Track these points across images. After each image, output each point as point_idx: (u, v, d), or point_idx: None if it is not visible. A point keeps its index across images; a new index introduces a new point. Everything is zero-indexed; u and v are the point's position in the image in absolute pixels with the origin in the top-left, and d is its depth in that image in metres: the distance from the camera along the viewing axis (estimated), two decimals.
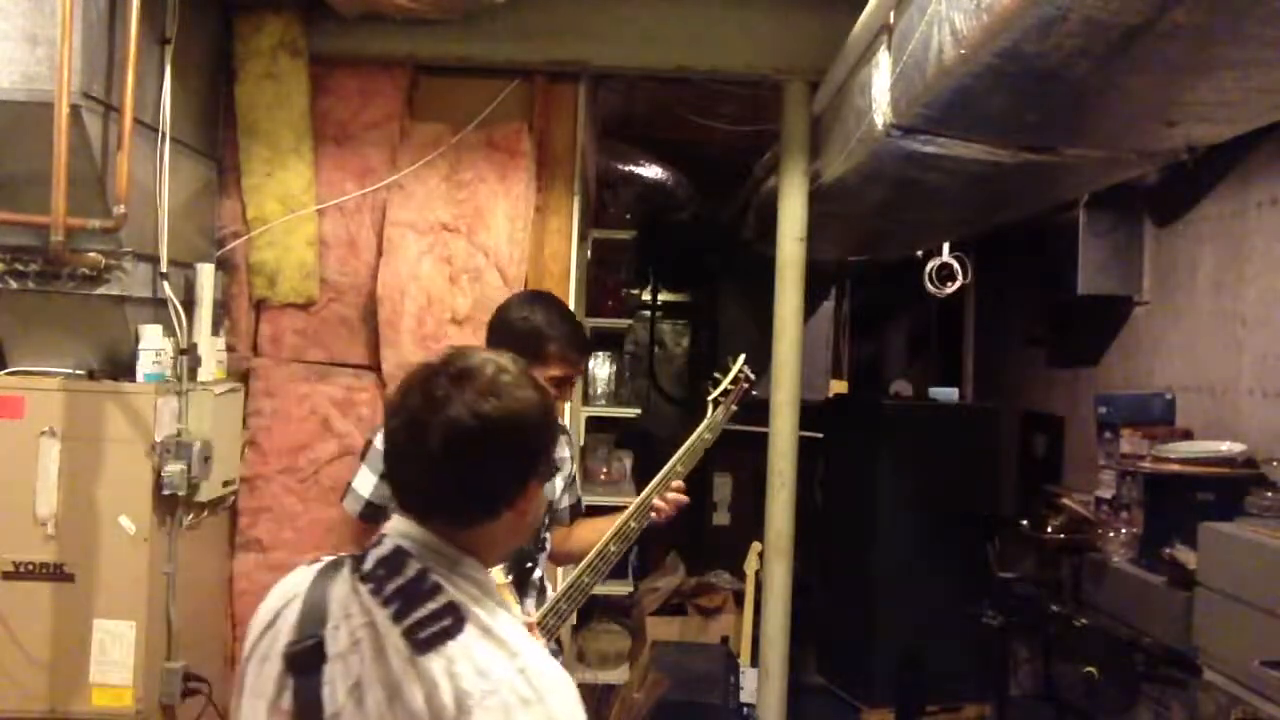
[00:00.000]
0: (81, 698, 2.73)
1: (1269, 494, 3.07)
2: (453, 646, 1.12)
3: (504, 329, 2.32)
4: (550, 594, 2.33)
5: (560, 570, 2.90)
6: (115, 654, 2.74)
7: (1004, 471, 5.17)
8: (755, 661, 3.87)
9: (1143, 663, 3.11)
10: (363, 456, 2.31)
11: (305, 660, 1.16)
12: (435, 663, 1.11)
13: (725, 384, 2.38)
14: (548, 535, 2.47)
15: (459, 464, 1.17)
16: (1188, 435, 3.68)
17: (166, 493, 2.78)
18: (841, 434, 5.45)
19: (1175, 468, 3.43)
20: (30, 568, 2.72)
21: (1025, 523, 4.04)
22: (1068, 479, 4.64)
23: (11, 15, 2.50)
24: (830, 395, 5.89)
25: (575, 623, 4.10)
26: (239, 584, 3.32)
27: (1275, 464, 3.17)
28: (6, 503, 2.72)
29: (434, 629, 1.13)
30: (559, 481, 2.53)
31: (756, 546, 4.34)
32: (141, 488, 2.76)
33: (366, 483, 2.25)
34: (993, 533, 4.21)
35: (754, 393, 2.44)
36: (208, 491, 2.97)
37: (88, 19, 2.53)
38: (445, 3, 3.12)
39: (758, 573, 4.17)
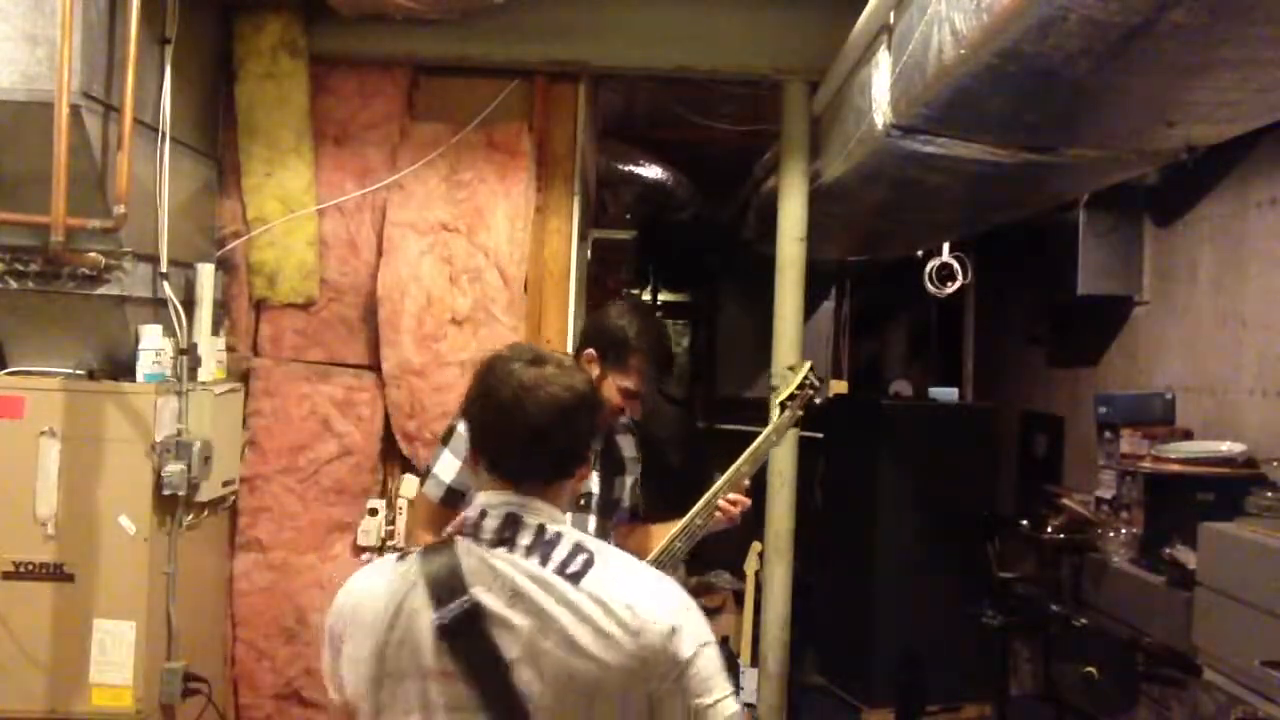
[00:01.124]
0: (81, 698, 2.73)
1: (1269, 494, 3.07)
2: (598, 571, 1.36)
3: (596, 330, 2.43)
4: None
5: None
6: (115, 654, 2.74)
7: (1004, 471, 5.17)
8: (755, 661, 3.86)
9: (1143, 663, 3.11)
10: (445, 442, 2.35)
11: (465, 624, 1.33)
12: (595, 586, 1.35)
13: (791, 388, 2.44)
14: (610, 535, 2.51)
15: (556, 432, 1.40)
16: (1188, 435, 3.68)
17: (166, 493, 2.78)
18: (841, 434, 5.45)
19: (1175, 468, 3.43)
20: (30, 568, 2.72)
21: (1025, 523, 4.03)
22: (1068, 479, 4.64)
23: (11, 15, 2.50)
24: (830, 395, 5.89)
25: None
26: (239, 584, 3.32)
27: (1275, 464, 3.17)
28: (6, 503, 2.73)
29: (577, 564, 1.36)
30: (626, 480, 2.57)
31: (756, 546, 4.33)
32: (141, 488, 2.76)
33: (449, 468, 2.31)
34: (993, 533, 4.20)
35: (818, 398, 2.51)
36: (208, 491, 2.97)
37: (88, 19, 2.53)
38: (445, 3, 3.11)
39: (758, 573, 4.17)
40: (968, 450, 4.93)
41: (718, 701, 1.37)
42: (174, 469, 2.77)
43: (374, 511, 3.38)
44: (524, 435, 1.40)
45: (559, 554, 1.37)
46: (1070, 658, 3.14)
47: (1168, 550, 3.32)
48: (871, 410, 5.24)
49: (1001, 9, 1.78)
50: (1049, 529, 3.87)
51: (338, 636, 1.43)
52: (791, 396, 2.43)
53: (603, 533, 2.47)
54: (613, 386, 2.37)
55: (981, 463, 4.99)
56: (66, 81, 2.44)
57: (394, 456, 3.43)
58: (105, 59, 2.61)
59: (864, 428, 5.19)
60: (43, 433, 2.72)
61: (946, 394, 5.43)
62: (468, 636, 1.32)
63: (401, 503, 3.40)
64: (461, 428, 2.32)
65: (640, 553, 2.34)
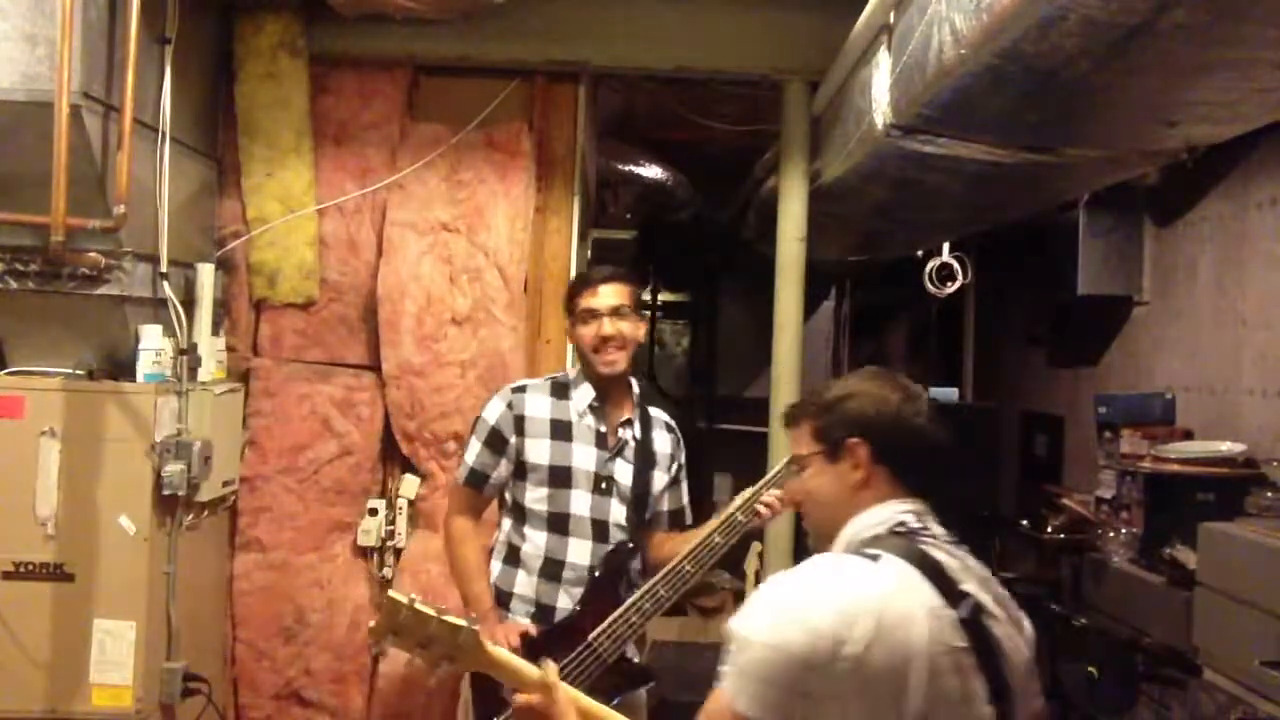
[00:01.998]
0: (81, 698, 2.73)
1: (1269, 494, 3.06)
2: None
3: None
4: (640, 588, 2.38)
5: None
6: (115, 654, 2.74)
7: (1004, 471, 5.16)
8: None
9: (1143, 663, 3.11)
10: (473, 431, 2.54)
11: (974, 617, 1.43)
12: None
13: None
14: (640, 534, 2.53)
15: (950, 452, 1.62)
16: (1188, 435, 3.67)
17: (166, 493, 2.78)
18: None
19: (1175, 468, 3.42)
20: (30, 568, 2.72)
21: (1025, 523, 4.03)
22: (1068, 479, 4.63)
23: (11, 15, 2.50)
24: None
25: None
26: (239, 584, 3.32)
27: (1275, 464, 3.17)
28: (6, 503, 2.73)
29: (991, 569, 1.56)
30: (657, 475, 2.56)
31: (756, 546, 4.33)
32: (141, 488, 2.76)
33: (472, 452, 2.50)
34: (993, 533, 4.19)
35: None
36: (208, 491, 2.97)
37: (88, 19, 2.53)
38: (445, 3, 3.11)
39: (758, 573, 4.17)
40: (968, 450, 4.90)
41: None
42: (174, 469, 2.77)
43: (374, 511, 3.38)
44: (936, 454, 1.62)
45: (974, 556, 1.54)
46: (1070, 658, 3.13)
47: (1168, 550, 3.31)
48: None
49: (1001, 9, 1.77)
50: (1049, 529, 3.86)
51: (863, 674, 1.31)
52: None
53: (634, 526, 2.48)
54: (579, 329, 2.50)
55: (981, 463, 4.98)
56: (66, 81, 2.44)
57: (394, 456, 3.43)
58: (105, 59, 2.61)
59: None
60: (43, 433, 2.72)
61: (946, 394, 5.43)
62: (975, 629, 1.42)
63: (401, 503, 3.40)
64: (486, 415, 2.51)
65: (672, 557, 2.35)
